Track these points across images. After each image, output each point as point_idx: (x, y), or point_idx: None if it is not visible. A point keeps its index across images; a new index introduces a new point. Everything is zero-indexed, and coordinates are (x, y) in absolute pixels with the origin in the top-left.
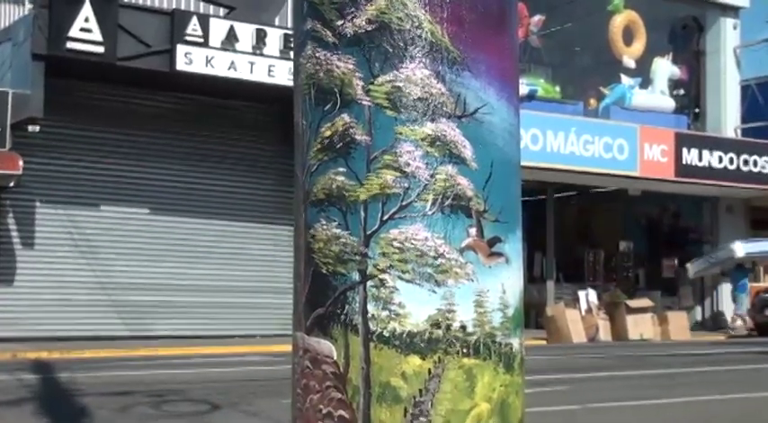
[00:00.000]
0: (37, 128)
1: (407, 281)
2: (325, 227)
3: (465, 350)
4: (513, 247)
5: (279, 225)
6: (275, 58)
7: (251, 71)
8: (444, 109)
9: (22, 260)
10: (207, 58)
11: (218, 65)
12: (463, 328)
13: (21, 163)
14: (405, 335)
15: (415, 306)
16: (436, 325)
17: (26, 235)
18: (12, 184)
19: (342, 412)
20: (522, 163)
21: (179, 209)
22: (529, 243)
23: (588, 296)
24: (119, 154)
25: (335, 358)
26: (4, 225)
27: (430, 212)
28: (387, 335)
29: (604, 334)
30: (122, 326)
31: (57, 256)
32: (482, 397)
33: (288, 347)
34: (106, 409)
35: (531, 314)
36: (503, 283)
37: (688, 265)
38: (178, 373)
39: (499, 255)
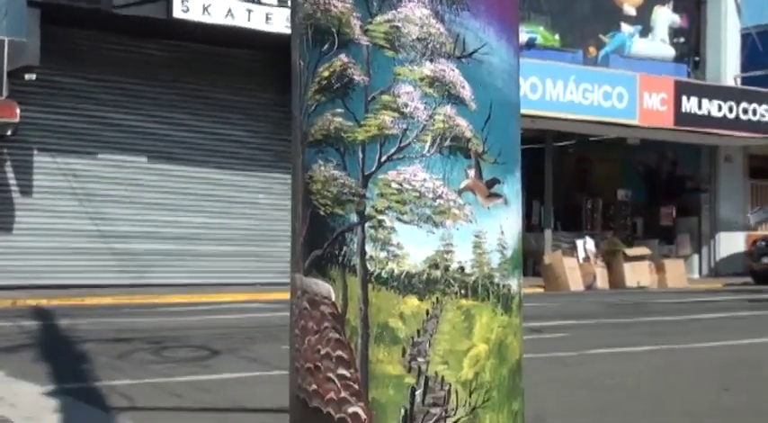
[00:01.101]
0: (33, 76)
1: (405, 222)
2: (322, 168)
3: (463, 291)
4: (512, 188)
5: (276, 173)
6: (273, 5)
7: (248, 19)
8: (443, 49)
9: (21, 209)
10: (204, 5)
11: (216, 12)
12: (461, 269)
13: (18, 111)
14: (403, 276)
15: (414, 247)
16: (434, 266)
17: (24, 183)
18: (9, 133)
19: (340, 353)
20: (521, 111)
21: (176, 157)
22: (527, 192)
23: (586, 244)
24: (116, 102)
25: (333, 299)
26: (2, 174)
27: (428, 153)
28: (385, 276)
29: (602, 282)
30: (121, 274)
31: (55, 205)
32: (480, 338)
33: (286, 295)
34: (106, 356)
35: (529, 262)
36: (501, 224)
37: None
38: (177, 320)
39: (498, 196)
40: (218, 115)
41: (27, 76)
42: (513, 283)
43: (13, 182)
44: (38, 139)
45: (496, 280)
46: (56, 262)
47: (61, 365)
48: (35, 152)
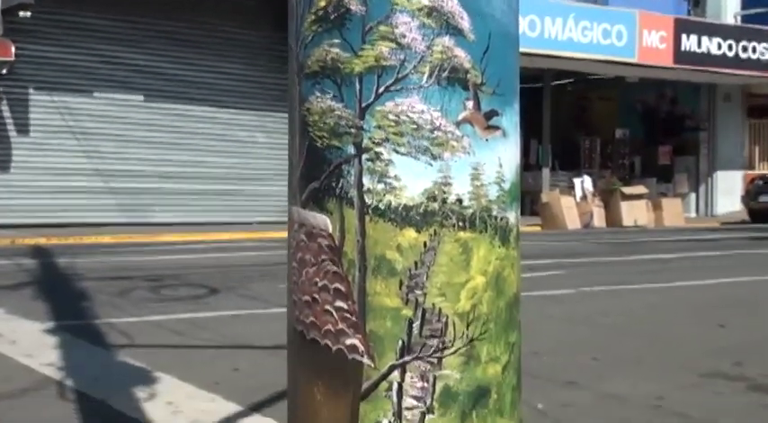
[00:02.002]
0: (28, 13)
1: (403, 154)
2: (319, 99)
3: (461, 223)
4: (510, 120)
5: (273, 112)
6: None
7: None
8: None
9: (18, 147)
10: None
11: None
12: (459, 201)
13: (13, 49)
14: (400, 208)
15: (411, 179)
16: (432, 198)
17: (21, 122)
18: (4, 71)
19: (337, 285)
20: (520, 49)
21: (173, 96)
22: (525, 130)
23: (583, 183)
24: (111, 40)
25: (331, 231)
26: None
27: (426, 85)
28: (382, 208)
29: (599, 220)
30: (119, 213)
31: (52, 143)
32: (477, 270)
33: (283, 234)
34: (105, 294)
35: (527, 201)
36: (499, 156)
37: None
38: (176, 258)
39: (496, 128)
40: (215, 52)
41: (21, 14)
42: (511, 216)
43: (9, 120)
44: (33, 77)
45: (494, 212)
46: (54, 201)
47: (61, 303)
48: (31, 90)
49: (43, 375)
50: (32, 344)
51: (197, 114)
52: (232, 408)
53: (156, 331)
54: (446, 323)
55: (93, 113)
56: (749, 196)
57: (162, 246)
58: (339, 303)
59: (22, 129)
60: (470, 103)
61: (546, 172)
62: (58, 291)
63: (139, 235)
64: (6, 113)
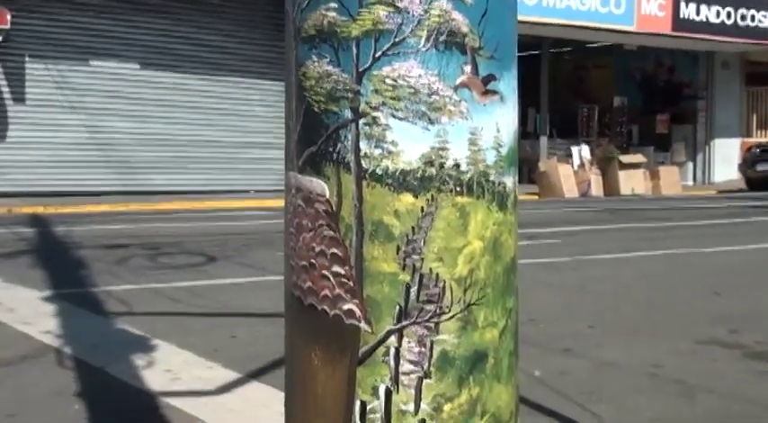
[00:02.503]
0: None
1: (400, 118)
2: (316, 64)
3: (458, 188)
4: (508, 85)
5: (270, 80)
6: None
7: None
8: None
9: (14, 116)
10: None
11: None
12: (457, 166)
13: (8, 17)
14: (398, 173)
15: (408, 144)
16: (429, 163)
17: (16, 91)
18: (0, 38)
19: (335, 250)
20: (517, 17)
21: (170, 64)
22: (523, 99)
23: (581, 151)
24: (107, 8)
25: (328, 196)
26: None
27: (424, 49)
28: (379, 173)
29: (596, 189)
30: (117, 181)
31: (48, 112)
32: (475, 235)
33: (280, 203)
34: (103, 262)
35: (524, 170)
36: (497, 121)
37: None
38: (173, 226)
39: (494, 93)
40: (212, 21)
41: None
42: (509, 181)
43: (5, 89)
44: (29, 45)
45: (492, 177)
46: (51, 169)
47: (59, 271)
48: (27, 59)
49: (42, 343)
50: (30, 312)
51: (194, 81)
52: (230, 375)
53: (155, 299)
54: (443, 288)
55: (90, 82)
56: (746, 164)
57: (159, 214)
58: (336, 269)
59: (18, 97)
60: (468, 68)
61: (544, 140)
62: (56, 259)
63: (137, 203)
64: (2, 82)
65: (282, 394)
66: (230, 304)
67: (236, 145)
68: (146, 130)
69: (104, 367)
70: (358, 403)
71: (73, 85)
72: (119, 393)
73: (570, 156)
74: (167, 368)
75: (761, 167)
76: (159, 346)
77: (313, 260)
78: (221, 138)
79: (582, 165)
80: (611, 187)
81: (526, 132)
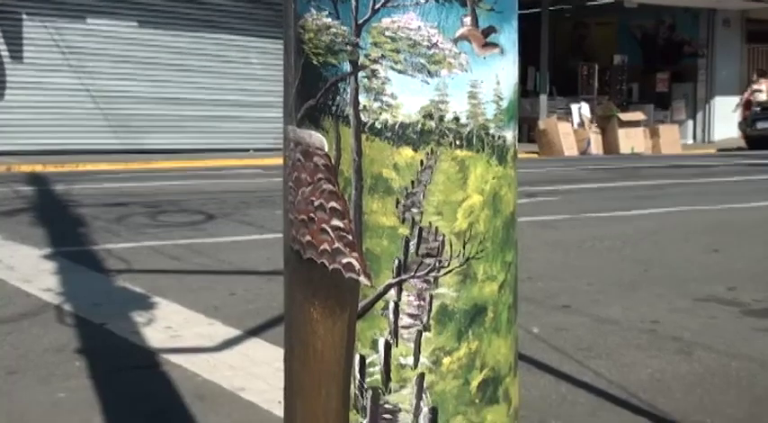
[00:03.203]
0: None
1: (400, 71)
2: (315, 16)
3: (458, 142)
4: (509, 37)
5: (269, 39)
6: None
7: None
8: None
9: (12, 74)
10: None
11: None
12: (456, 119)
13: None
14: (397, 126)
15: (408, 97)
16: (429, 116)
17: (14, 49)
18: None
19: (334, 204)
20: None
21: (168, 23)
22: (522, 57)
23: (581, 109)
24: None
25: (327, 150)
26: None
27: (423, 1)
28: (378, 126)
29: (596, 147)
30: (115, 140)
31: (46, 70)
32: (474, 189)
33: (279, 161)
34: (102, 220)
35: (524, 128)
36: (497, 74)
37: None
38: (173, 184)
39: (494, 45)
40: None
41: None
42: (509, 135)
43: (2, 47)
44: (26, 2)
45: (491, 131)
46: (49, 128)
47: (58, 229)
48: (24, 16)
49: (42, 300)
50: (30, 269)
51: (193, 39)
52: (230, 332)
53: (154, 257)
54: (443, 242)
55: (88, 41)
56: (746, 123)
57: (159, 172)
58: (335, 222)
59: (16, 55)
60: (468, 20)
61: (543, 99)
62: (56, 217)
63: (136, 162)
64: (0, 41)
65: (282, 350)
66: (230, 262)
67: (236, 102)
68: (145, 89)
69: (105, 324)
70: (357, 357)
71: (71, 44)
72: (119, 350)
73: (570, 114)
74: (167, 325)
75: (761, 126)
76: (159, 303)
77: (312, 214)
78: (221, 97)
79: (581, 123)
80: (610, 145)
81: (526, 91)
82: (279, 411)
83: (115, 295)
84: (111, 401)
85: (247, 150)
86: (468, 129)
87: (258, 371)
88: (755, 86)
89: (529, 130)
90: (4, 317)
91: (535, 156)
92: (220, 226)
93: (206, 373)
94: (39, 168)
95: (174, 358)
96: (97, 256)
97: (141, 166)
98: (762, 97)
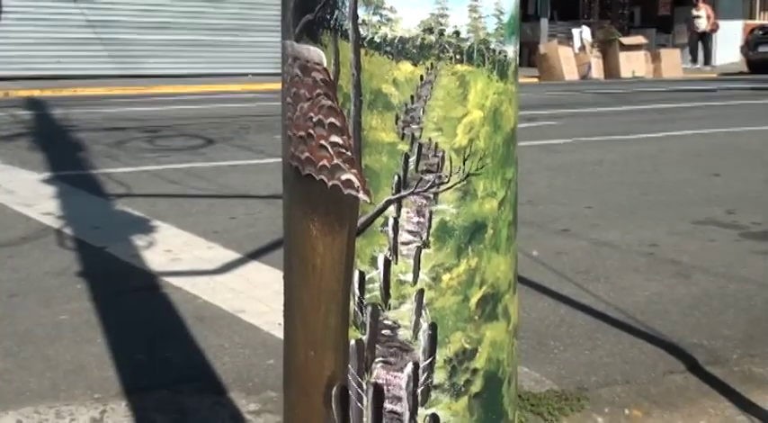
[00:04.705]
0: None
1: None
2: None
3: (458, 56)
4: None
5: None
6: None
7: None
8: None
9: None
10: None
11: None
12: (457, 33)
13: None
14: (396, 40)
15: (407, 10)
16: (428, 30)
17: None
18: None
19: (332, 120)
20: None
21: None
22: None
23: (582, 33)
24: None
25: (325, 65)
26: None
27: None
28: (378, 40)
29: (597, 71)
30: (113, 65)
31: None
32: (475, 104)
33: (278, 86)
34: (101, 144)
35: (524, 52)
36: None
37: None
38: (171, 109)
39: None
40: None
41: None
42: (510, 50)
43: None
44: None
45: (492, 46)
46: (46, 53)
47: (57, 154)
48: None
49: (42, 224)
50: (30, 193)
51: None
52: (230, 255)
53: (153, 181)
54: (442, 158)
55: None
56: (748, 47)
57: (156, 97)
58: (334, 138)
59: None
60: None
61: (544, 23)
62: (54, 142)
63: (134, 87)
64: None
65: (281, 274)
66: (229, 186)
67: (234, 27)
68: (143, 14)
69: (105, 248)
70: (357, 273)
71: None
72: (120, 273)
73: (571, 38)
74: (167, 248)
75: (763, 49)
76: (159, 226)
77: (311, 130)
78: (218, 22)
79: (582, 47)
80: (611, 70)
81: (527, 15)
82: (279, 333)
83: (115, 219)
84: (112, 323)
85: (246, 75)
86: (468, 43)
87: (258, 293)
88: (695, 12)
89: (529, 55)
90: (4, 241)
91: (536, 80)
92: (219, 150)
93: (206, 296)
94: (36, 93)
95: (174, 281)
96: (96, 180)
97: (139, 91)
98: (701, 23)
